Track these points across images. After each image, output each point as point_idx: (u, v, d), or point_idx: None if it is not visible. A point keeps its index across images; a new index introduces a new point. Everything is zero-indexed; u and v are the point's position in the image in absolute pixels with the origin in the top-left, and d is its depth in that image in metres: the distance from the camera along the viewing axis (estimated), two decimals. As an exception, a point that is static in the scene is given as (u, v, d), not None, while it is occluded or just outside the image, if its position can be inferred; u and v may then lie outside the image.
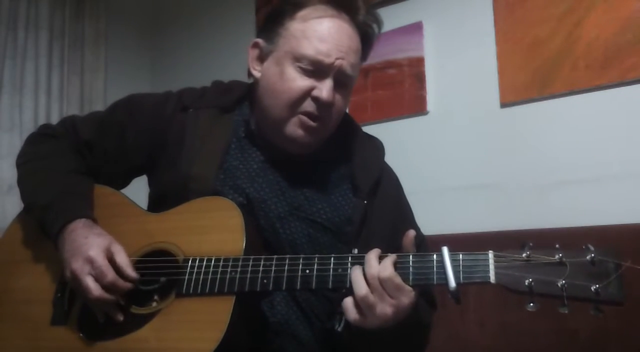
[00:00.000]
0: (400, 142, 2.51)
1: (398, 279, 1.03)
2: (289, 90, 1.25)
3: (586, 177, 2.06)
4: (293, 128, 1.26)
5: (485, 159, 2.31)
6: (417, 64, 2.52)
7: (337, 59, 1.23)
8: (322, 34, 1.24)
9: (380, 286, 1.03)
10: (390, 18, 2.56)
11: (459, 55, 2.44)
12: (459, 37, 2.45)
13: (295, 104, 1.25)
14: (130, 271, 1.18)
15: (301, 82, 1.24)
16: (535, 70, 2.20)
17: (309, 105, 1.25)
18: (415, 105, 2.51)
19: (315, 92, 1.24)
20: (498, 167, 2.27)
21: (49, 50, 3.16)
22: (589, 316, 1.76)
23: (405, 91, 2.54)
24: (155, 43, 3.74)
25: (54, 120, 3.01)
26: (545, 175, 2.16)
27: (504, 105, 2.28)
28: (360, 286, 1.04)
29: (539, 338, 1.90)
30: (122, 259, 1.19)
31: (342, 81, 1.27)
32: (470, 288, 2.02)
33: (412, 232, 1.10)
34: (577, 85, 2.11)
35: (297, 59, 1.24)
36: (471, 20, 2.41)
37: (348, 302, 1.06)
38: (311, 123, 1.26)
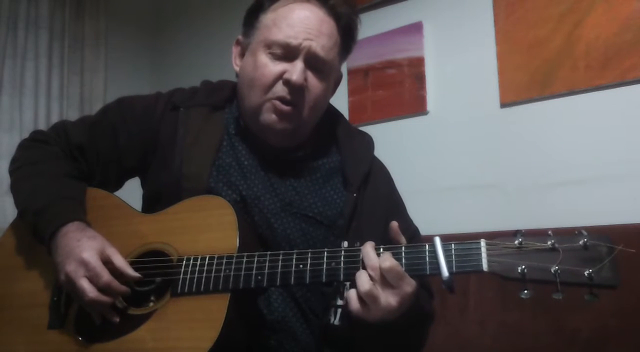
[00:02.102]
0: (400, 142, 2.51)
1: (400, 268, 1.03)
2: (261, 76, 1.27)
3: (586, 177, 2.06)
4: (267, 114, 1.27)
5: (485, 159, 2.31)
6: (417, 64, 2.51)
7: (304, 40, 1.25)
8: (290, 19, 1.27)
9: (382, 276, 1.03)
10: (390, 18, 2.57)
11: (459, 55, 2.44)
12: (459, 37, 2.44)
13: (267, 89, 1.27)
14: (131, 271, 1.18)
15: (272, 67, 1.26)
16: (535, 70, 2.20)
17: (281, 90, 1.26)
18: (415, 105, 2.51)
19: (286, 75, 1.25)
20: (498, 167, 2.27)
21: (49, 50, 3.17)
22: (589, 315, 1.77)
23: (405, 91, 2.54)
24: (155, 43, 3.75)
25: (54, 120, 3.02)
26: (545, 175, 2.15)
27: (504, 105, 2.28)
28: (364, 282, 1.04)
29: (539, 338, 1.90)
30: (120, 261, 1.19)
31: (314, 65, 1.28)
32: (470, 287, 2.02)
33: (394, 223, 1.11)
34: (577, 85, 2.11)
35: (268, 46, 1.27)
36: (471, 20, 2.41)
37: (352, 293, 1.06)
38: (284, 107, 1.26)
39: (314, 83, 1.28)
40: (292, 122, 1.28)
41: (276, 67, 1.26)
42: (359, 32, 1.38)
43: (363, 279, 1.04)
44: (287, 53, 1.26)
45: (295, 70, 1.24)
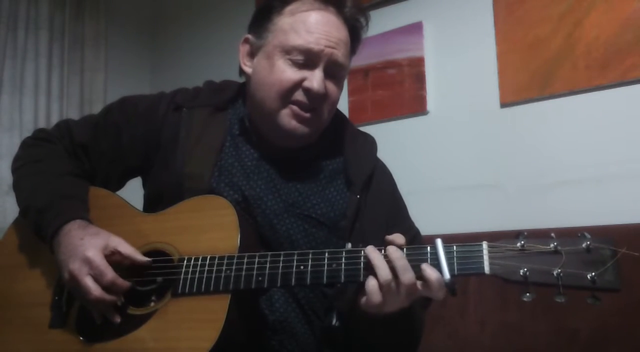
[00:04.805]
0: (400, 142, 2.51)
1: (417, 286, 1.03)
2: (280, 82, 1.25)
3: (586, 177, 2.06)
4: (287, 119, 1.27)
5: (485, 159, 2.31)
6: (417, 64, 2.51)
7: (326, 47, 1.24)
8: (309, 25, 1.25)
9: (397, 289, 1.04)
10: (390, 18, 2.57)
11: (459, 55, 2.44)
12: (459, 37, 2.45)
13: (286, 95, 1.26)
14: (140, 256, 1.19)
15: (291, 74, 1.25)
16: (535, 70, 2.20)
17: (300, 96, 1.26)
18: (415, 105, 2.51)
19: (306, 83, 1.24)
20: (498, 167, 2.27)
21: (49, 50, 3.16)
22: (589, 315, 1.78)
23: (405, 91, 2.54)
24: (155, 43, 3.75)
25: (54, 120, 3.02)
26: (545, 175, 2.15)
27: (504, 105, 2.28)
28: (386, 271, 1.04)
29: (539, 338, 1.90)
30: (126, 249, 1.19)
31: (333, 71, 1.28)
32: (470, 287, 2.02)
33: (388, 237, 1.10)
34: (577, 85, 2.11)
35: (287, 51, 1.25)
36: (471, 20, 2.41)
37: (374, 285, 1.05)
38: (304, 114, 1.26)
39: (331, 89, 1.28)
40: (312, 127, 1.29)
41: (295, 75, 1.25)
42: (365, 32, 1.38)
43: (384, 269, 1.04)
44: (308, 59, 1.25)
45: (316, 78, 1.24)
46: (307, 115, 1.27)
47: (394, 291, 1.03)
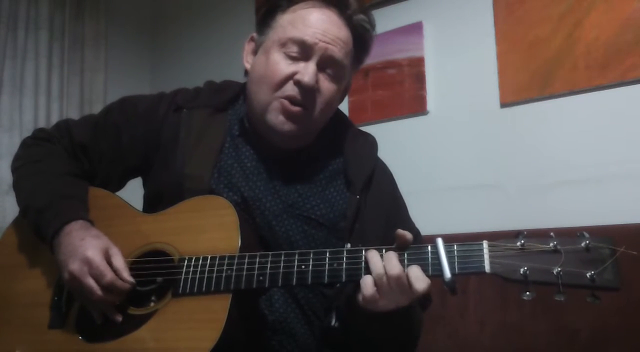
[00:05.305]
0: (400, 142, 2.51)
1: (405, 280, 1.03)
2: (272, 74, 1.26)
3: (586, 177, 2.06)
4: (274, 114, 1.26)
5: (485, 159, 2.31)
6: (417, 64, 2.52)
7: (321, 41, 1.25)
8: (309, 21, 1.26)
9: (388, 284, 1.04)
10: (390, 18, 2.57)
11: (459, 55, 2.44)
12: (459, 37, 2.45)
13: (277, 88, 1.26)
14: (127, 275, 1.18)
15: (284, 66, 1.25)
16: (535, 70, 2.20)
17: (291, 90, 1.25)
18: (415, 105, 2.51)
19: (297, 76, 1.24)
20: (498, 167, 2.27)
21: (49, 50, 3.16)
22: (589, 315, 1.78)
23: (405, 91, 2.54)
24: (155, 43, 3.75)
25: (54, 120, 3.01)
26: (545, 175, 2.15)
27: (504, 105, 2.28)
28: (379, 266, 1.04)
29: (539, 338, 1.90)
30: (119, 263, 1.19)
31: (328, 68, 1.27)
32: (470, 287, 2.03)
33: (399, 231, 1.10)
34: (577, 85, 2.11)
35: (283, 44, 1.26)
36: (471, 20, 2.41)
37: (367, 279, 1.05)
38: (292, 108, 1.25)
39: (325, 86, 1.28)
40: (299, 124, 1.27)
41: (289, 67, 1.25)
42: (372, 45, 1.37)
43: (378, 264, 1.04)
44: (302, 52, 1.25)
45: (307, 71, 1.24)
46: (296, 109, 1.25)
47: (385, 285, 1.04)
